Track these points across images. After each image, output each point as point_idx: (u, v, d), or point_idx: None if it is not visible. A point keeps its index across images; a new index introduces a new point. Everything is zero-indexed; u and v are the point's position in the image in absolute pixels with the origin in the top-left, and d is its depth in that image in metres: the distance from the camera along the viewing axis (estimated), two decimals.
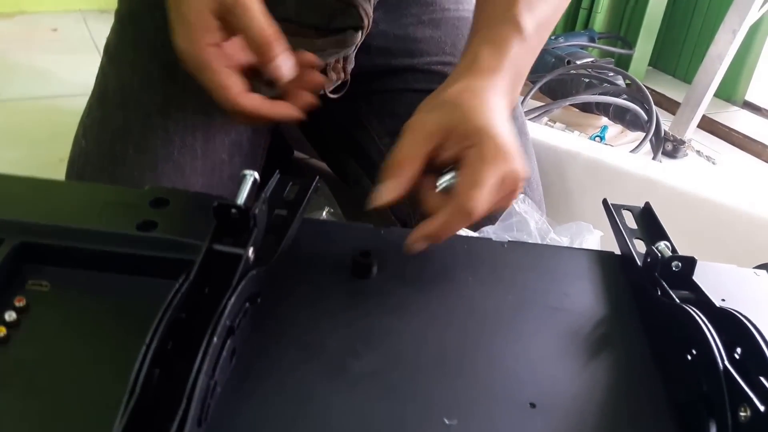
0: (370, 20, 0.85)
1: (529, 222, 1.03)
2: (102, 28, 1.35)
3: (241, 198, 0.54)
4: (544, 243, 1.03)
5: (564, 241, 1.08)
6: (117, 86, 0.92)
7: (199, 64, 0.64)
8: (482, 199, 0.57)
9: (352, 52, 0.89)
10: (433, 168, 0.62)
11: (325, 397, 0.47)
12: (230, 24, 0.66)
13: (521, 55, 0.69)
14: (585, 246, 1.10)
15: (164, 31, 0.86)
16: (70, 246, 0.55)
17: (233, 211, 0.52)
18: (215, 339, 0.42)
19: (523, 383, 0.50)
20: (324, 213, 1.21)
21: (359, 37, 0.86)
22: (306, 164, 1.61)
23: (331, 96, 0.92)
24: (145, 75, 0.89)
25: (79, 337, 0.50)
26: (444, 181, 0.61)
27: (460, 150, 0.59)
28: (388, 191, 0.59)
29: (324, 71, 0.88)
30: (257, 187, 0.56)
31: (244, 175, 0.55)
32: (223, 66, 0.66)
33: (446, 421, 0.46)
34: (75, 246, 0.55)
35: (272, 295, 0.56)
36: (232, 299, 0.45)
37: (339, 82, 0.91)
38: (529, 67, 0.72)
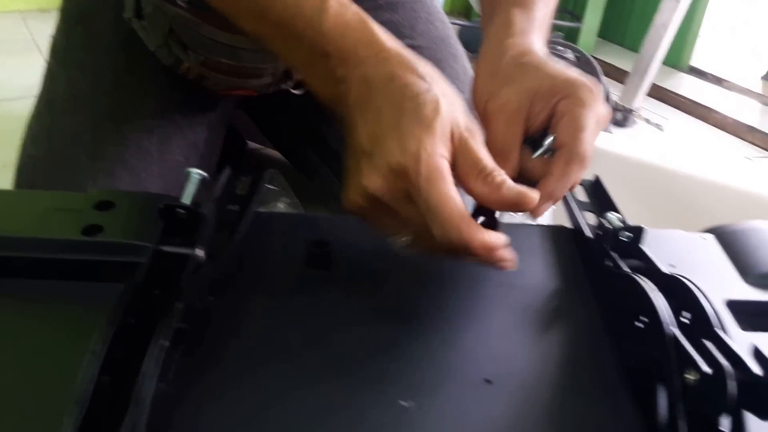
0: None
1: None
2: (43, 28, 1.31)
3: (188, 197, 0.53)
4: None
5: (517, 218, 1.09)
6: (66, 90, 0.89)
7: (432, 173, 0.51)
8: (591, 141, 0.57)
9: None
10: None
11: (283, 390, 0.47)
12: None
13: (545, 11, 0.70)
14: (539, 221, 1.11)
15: (116, 32, 0.84)
16: (13, 256, 0.54)
17: (180, 211, 0.51)
18: (163, 342, 0.41)
19: (478, 360, 0.50)
20: (281, 204, 1.21)
21: None
22: (260, 155, 1.59)
23: (295, 92, 0.91)
24: (97, 77, 0.87)
25: (25, 347, 0.49)
26: (544, 147, 0.59)
27: (549, 108, 0.59)
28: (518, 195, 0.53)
29: (287, 69, 0.87)
30: (206, 184, 0.55)
31: (189, 173, 0.55)
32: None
33: (403, 404, 0.46)
34: (18, 255, 0.54)
35: (228, 291, 0.55)
36: (180, 301, 0.44)
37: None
38: (550, 22, 0.72)
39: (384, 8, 0.99)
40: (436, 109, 0.51)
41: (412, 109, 0.51)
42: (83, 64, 0.88)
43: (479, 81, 0.64)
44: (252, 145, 1.61)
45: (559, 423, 0.46)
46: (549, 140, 0.59)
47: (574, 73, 0.61)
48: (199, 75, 0.83)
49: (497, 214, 0.56)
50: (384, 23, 0.99)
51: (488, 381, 0.49)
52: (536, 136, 0.60)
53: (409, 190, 0.50)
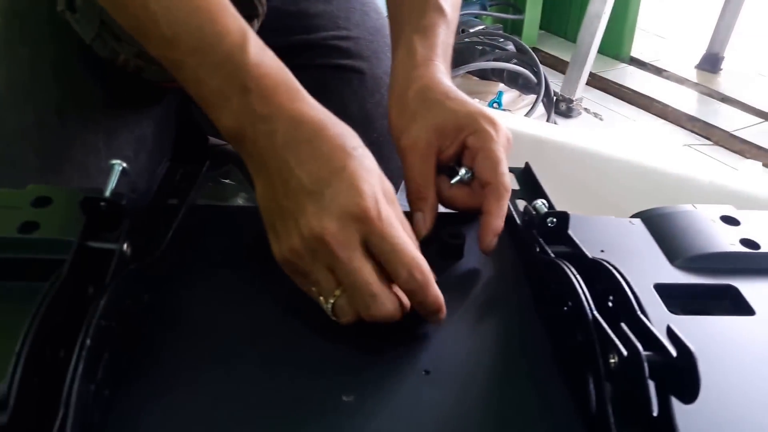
0: (264, 8, 0.83)
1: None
2: None
3: (109, 189, 0.52)
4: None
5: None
6: (7, 85, 0.87)
7: (390, 217, 0.51)
8: (506, 170, 0.62)
9: None
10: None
11: (223, 388, 0.46)
12: None
13: (448, 35, 0.71)
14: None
15: (52, 25, 0.82)
16: None
17: (102, 204, 0.50)
18: (89, 341, 0.40)
19: (416, 352, 0.51)
20: (240, 199, 1.20)
21: (255, 25, 0.84)
22: (222, 150, 1.57)
23: None
24: (37, 72, 0.85)
25: None
26: (459, 177, 0.64)
27: (458, 143, 0.63)
28: (425, 224, 0.62)
29: None
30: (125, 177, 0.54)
31: (112, 165, 0.53)
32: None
33: (344, 398, 0.46)
34: None
35: (165, 287, 0.55)
36: (104, 298, 0.43)
37: None
38: (452, 42, 0.74)
39: None
40: (373, 163, 0.53)
41: (358, 156, 0.52)
42: (21, 59, 0.86)
43: (392, 116, 0.67)
44: (214, 140, 1.59)
45: (496, 409, 0.47)
46: (463, 172, 0.64)
47: (473, 106, 0.65)
48: (137, 67, 0.82)
49: None
50: (318, 14, 1.00)
51: (426, 372, 0.49)
52: (451, 165, 0.65)
53: (366, 235, 0.50)
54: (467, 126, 0.63)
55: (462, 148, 0.64)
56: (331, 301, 0.51)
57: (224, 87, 0.54)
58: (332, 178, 0.50)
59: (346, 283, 0.50)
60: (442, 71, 0.68)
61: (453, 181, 0.64)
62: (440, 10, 0.71)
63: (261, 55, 0.55)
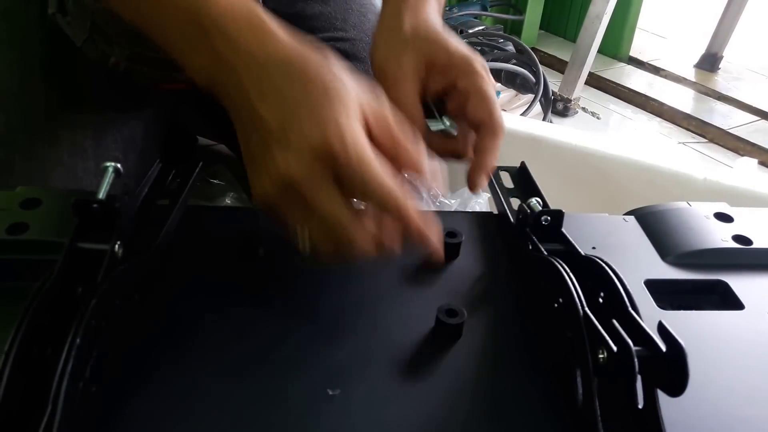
0: None
1: (421, 190, 1.05)
2: None
3: (102, 191, 0.52)
4: (434, 209, 1.05)
5: (454, 206, 1.11)
6: None
7: (363, 153, 0.49)
8: (500, 111, 0.62)
9: None
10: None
11: (210, 386, 0.47)
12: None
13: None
14: (477, 209, 1.13)
15: (42, 27, 0.82)
16: None
17: (94, 206, 0.50)
18: (78, 341, 0.40)
19: (404, 347, 0.51)
20: (228, 199, 1.20)
21: None
22: (212, 151, 1.58)
23: None
24: (25, 74, 0.85)
25: None
26: (441, 126, 0.64)
27: (446, 81, 0.63)
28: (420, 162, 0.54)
29: None
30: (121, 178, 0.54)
31: (105, 168, 0.53)
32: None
33: (329, 392, 0.47)
34: None
35: (156, 287, 0.55)
36: (95, 298, 0.43)
37: None
38: None
39: (315, 0, 0.99)
40: (345, 89, 0.50)
41: (321, 91, 0.50)
42: (10, 62, 0.86)
43: (378, 48, 0.65)
44: (203, 141, 1.59)
45: (483, 403, 0.47)
46: (448, 124, 0.64)
47: (467, 48, 0.64)
48: (128, 69, 0.82)
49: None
50: (315, 16, 1.00)
51: (413, 367, 0.49)
52: (427, 102, 0.64)
53: (337, 173, 0.48)
54: (461, 67, 0.63)
55: (449, 88, 0.64)
56: (307, 239, 0.51)
57: (188, 34, 0.54)
58: (294, 116, 0.49)
59: (318, 219, 0.49)
60: (435, 12, 0.68)
61: (434, 129, 0.64)
62: None
63: None
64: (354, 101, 0.50)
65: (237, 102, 0.52)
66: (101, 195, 0.52)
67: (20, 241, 0.55)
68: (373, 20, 1.01)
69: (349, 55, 0.94)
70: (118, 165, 0.54)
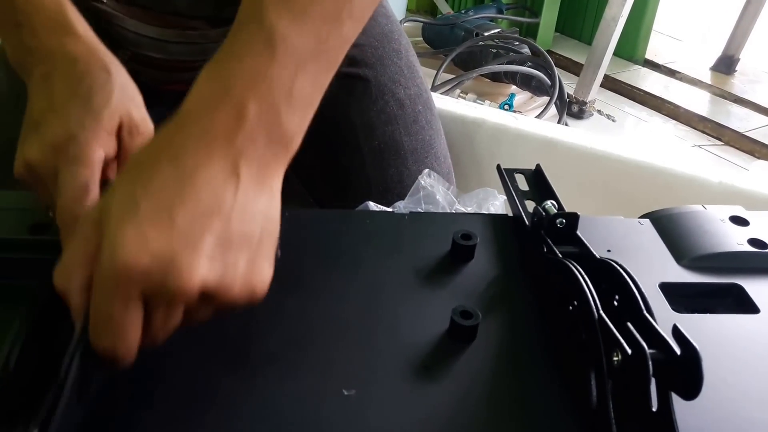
0: None
1: (436, 194, 1.06)
2: None
3: None
4: (451, 212, 1.06)
5: (470, 209, 1.11)
6: (9, 91, 0.88)
7: (80, 156, 0.51)
8: (117, 339, 0.42)
9: None
10: None
11: (227, 386, 0.47)
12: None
13: (274, 69, 0.46)
14: (492, 211, 1.13)
15: None
16: None
17: None
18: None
19: (419, 348, 0.51)
20: None
21: None
22: None
23: None
24: None
25: None
26: None
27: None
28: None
29: None
30: None
31: None
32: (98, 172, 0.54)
33: (345, 392, 0.47)
34: None
35: None
36: None
37: None
38: (307, 80, 0.48)
39: None
40: (107, 101, 0.54)
41: (84, 95, 0.54)
42: None
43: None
44: None
45: (497, 404, 0.47)
46: None
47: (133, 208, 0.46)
48: (132, 71, 0.83)
49: None
50: None
51: (427, 368, 0.50)
52: None
53: (57, 167, 0.52)
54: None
55: None
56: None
57: (5, 22, 0.58)
58: (51, 110, 0.54)
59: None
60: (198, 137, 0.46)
61: None
62: (262, 27, 0.46)
63: None
64: (112, 115, 0.54)
65: (28, 92, 0.57)
66: None
67: (42, 241, 0.56)
68: (383, 23, 1.01)
69: (357, 61, 0.93)
70: None
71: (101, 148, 0.53)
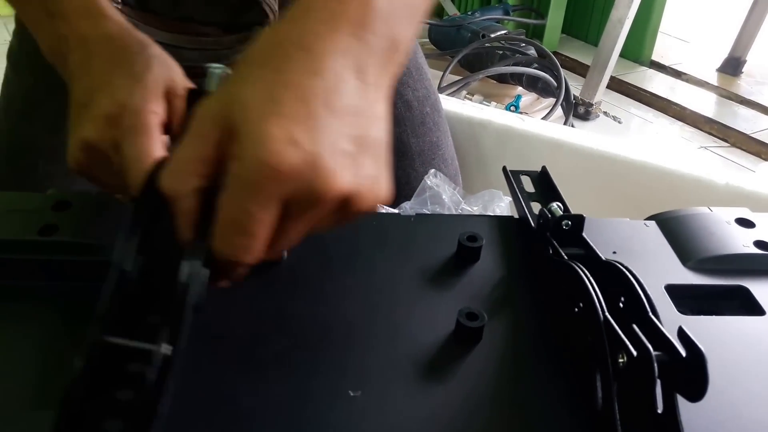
0: (276, 15, 0.84)
1: (442, 194, 1.06)
2: None
3: (213, 88, 0.54)
4: (457, 213, 1.06)
5: (475, 210, 1.11)
6: (20, 94, 0.89)
7: (137, 124, 0.50)
8: (246, 244, 0.40)
9: None
10: None
11: (234, 385, 0.47)
12: None
13: None
14: (498, 212, 1.13)
15: None
16: None
17: None
18: None
19: (424, 350, 0.51)
20: None
21: None
22: None
23: None
24: (50, 82, 0.86)
25: None
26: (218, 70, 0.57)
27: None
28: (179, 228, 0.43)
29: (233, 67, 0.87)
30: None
31: (208, 68, 0.55)
32: (159, 137, 0.52)
33: (351, 393, 0.47)
34: None
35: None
36: None
37: None
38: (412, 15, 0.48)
39: None
40: (148, 67, 0.54)
41: (123, 65, 0.54)
42: (36, 69, 0.88)
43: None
44: None
45: (502, 406, 0.47)
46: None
47: (289, 123, 0.41)
48: None
49: None
50: None
51: (432, 369, 0.50)
52: None
53: (115, 139, 0.51)
54: (238, 147, 0.43)
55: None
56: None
57: (37, 14, 0.58)
58: (98, 91, 0.53)
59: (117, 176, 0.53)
60: (337, 33, 0.43)
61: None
62: None
63: None
64: (156, 80, 0.54)
65: (67, 80, 0.57)
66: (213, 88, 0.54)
67: (51, 242, 0.56)
68: None
69: None
70: (226, 68, 0.55)
71: (154, 113, 0.52)
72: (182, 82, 0.56)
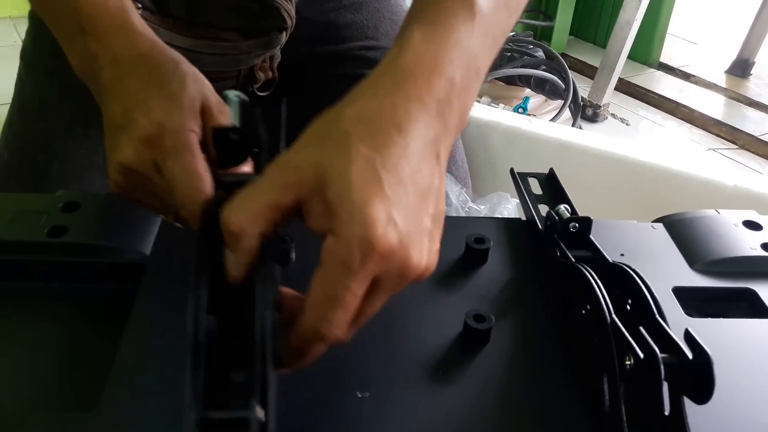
0: (294, 21, 0.84)
1: (450, 195, 1.06)
2: None
3: (236, 120, 0.53)
4: (463, 215, 1.06)
5: (483, 211, 1.11)
6: (35, 95, 0.89)
7: (179, 144, 0.50)
8: (339, 319, 0.41)
9: (277, 50, 0.89)
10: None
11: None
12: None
13: (470, 41, 0.47)
14: (505, 214, 1.13)
15: None
16: None
17: (232, 135, 0.50)
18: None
19: (432, 352, 0.52)
20: None
21: (284, 37, 0.86)
22: None
23: (260, 94, 0.92)
24: (64, 82, 0.86)
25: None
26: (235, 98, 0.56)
27: (323, 226, 0.41)
28: (230, 265, 0.42)
29: (251, 71, 0.89)
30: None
31: (229, 97, 0.55)
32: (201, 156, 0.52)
33: (359, 394, 0.48)
34: None
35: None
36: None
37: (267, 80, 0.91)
38: (486, 60, 0.50)
39: (347, 8, 0.99)
40: (183, 85, 0.54)
41: (158, 85, 0.53)
42: (50, 70, 0.88)
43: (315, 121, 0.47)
44: None
45: (510, 410, 0.48)
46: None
47: (386, 203, 0.40)
48: None
49: None
50: (347, 24, 1.00)
51: (440, 371, 0.50)
52: None
53: (157, 161, 0.51)
54: (335, 221, 0.41)
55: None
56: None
57: (69, 30, 0.58)
58: (132, 108, 0.52)
59: (159, 197, 0.53)
60: (423, 100, 0.44)
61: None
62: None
63: None
64: (192, 98, 0.53)
65: (99, 98, 0.57)
66: (236, 123, 0.53)
67: (60, 244, 0.56)
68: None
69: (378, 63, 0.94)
70: (242, 95, 0.55)
71: (193, 132, 0.52)
72: (215, 98, 0.56)
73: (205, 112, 0.54)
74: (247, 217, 0.41)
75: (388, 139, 0.41)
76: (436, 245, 0.43)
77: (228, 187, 0.47)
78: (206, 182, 0.49)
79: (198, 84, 0.55)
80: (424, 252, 0.42)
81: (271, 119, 0.56)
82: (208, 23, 0.81)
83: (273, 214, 0.41)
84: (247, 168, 0.52)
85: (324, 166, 0.40)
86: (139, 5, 0.77)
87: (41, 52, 0.90)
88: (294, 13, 0.83)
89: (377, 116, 0.42)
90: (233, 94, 0.54)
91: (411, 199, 0.41)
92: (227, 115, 0.55)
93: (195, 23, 0.81)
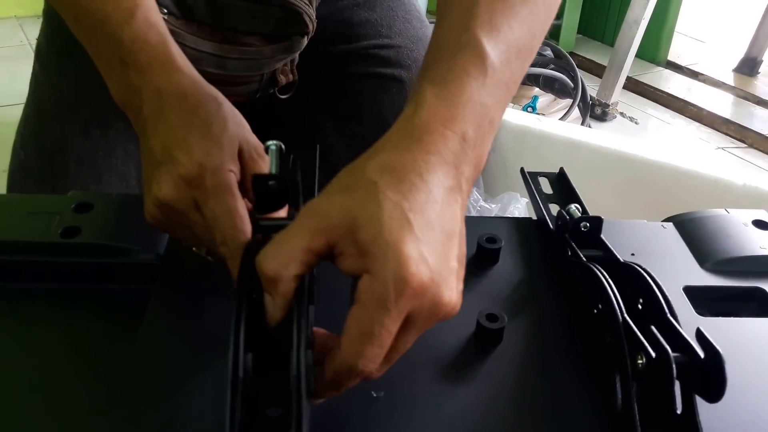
0: (315, 24, 0.85)
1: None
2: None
3: (274, 168, 0.54)
4: (475, 214, 1.06)
5: (494, 210, 1.12)
6: (51, 95, 0.89)
7: (219, 184, 0.52)
8: (374, 354, 0.42)
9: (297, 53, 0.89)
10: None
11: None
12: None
13: (482, 97, 0.49)
14: (516, 213, 1.13)
15: None
16: None
17: (271, 183, 0.51)
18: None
19: (446, 351, 0.52)
20: None
21: (305, 41, 0.86)
22: None
23: (282, 96, 0.92)
24: (81, 83, 0.87)
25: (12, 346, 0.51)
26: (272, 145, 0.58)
27: (356, 266, 0.43)
28: (269, 307, 0.44)
29: (273, 75, 0.89)
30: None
31: (268, 146, 0.56)
32: (240, 196, 0.54)
33: (373, 394, 0.48)
34: None
35: (204, 291, 0.57)
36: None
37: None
38: (499, 110, 0.51)
39: (361, 6, 1.00)
40: (224, 127, 0.55)
41: (200, 124, 0.54)
42: (67, 70, 0.88)
43: (341, 173, 0.49)
44: None
45: (523, 409, 0.48)
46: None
47: (417, 243, 0.43)
48: None
49: None
50: (361, 22, 1.01)
51: (454, 370, 0.50)
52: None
53: (197, 199, 0.52)
54: (371, 261, 0.43)
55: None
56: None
57: (110, 61, 0.58)
58: (173, 145, 0.53)
59: (194, 234, 0.54)
60: (442, 155, 0.46)
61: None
62: (477, 51, 0.49)
63: (143, 31, 0.58)
64: (232, 140, 0.55)
65: (138, 130, 0.57)
66: (274, 171, 0.55)
67: (73, 245, 0.57)
68: (418, 26, 1.02)
69: (392, 63, 0.94)
70: (281, 143, 0.57)
71: (233, 172, 0.54)
72: (255, 141, 0.57)
73: (242, 155, 0.55)
74: (282, 262, 0.43)
75: (412, 186, 0.43)
76: (461, 285, 0.45)
77: (265, 230, 0.49)
78: (246, 223, 0.51)
79: (238, 126, 0.56)
80: (454, 290, 0.43)
81: (306, 162, 0.59)
82: (232, 28, 0.82)
83: (306, 257, 0.43)
84: (282, 213, 0.53)
85: (353, 211, 0.43)
86: (164, 10, 0.77)
87: (57, 52, 0.90)
88: (315, 16, 0.84)
89: (400, 166, 0.44)
90: (272, 143, 0.56)
91: (439, 240, 0.43)
92: (264, 159, 0.56)
93: (219, 28, 0.81)
